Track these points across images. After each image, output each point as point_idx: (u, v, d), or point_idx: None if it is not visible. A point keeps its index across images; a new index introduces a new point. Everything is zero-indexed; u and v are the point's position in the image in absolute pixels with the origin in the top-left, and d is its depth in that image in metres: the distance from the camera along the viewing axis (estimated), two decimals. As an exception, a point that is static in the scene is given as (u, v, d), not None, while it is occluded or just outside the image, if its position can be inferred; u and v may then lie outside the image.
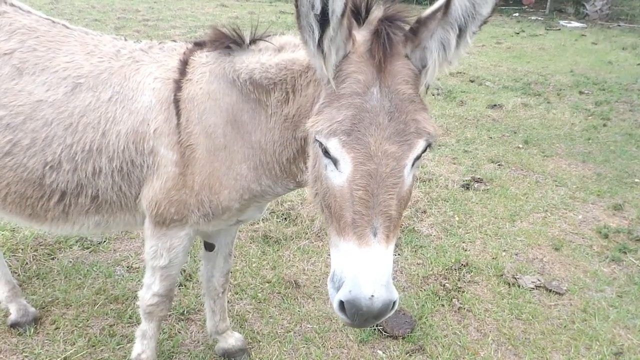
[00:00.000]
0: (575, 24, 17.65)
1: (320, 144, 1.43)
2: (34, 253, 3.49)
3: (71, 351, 2.70)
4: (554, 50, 12.71)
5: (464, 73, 9.60)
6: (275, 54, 1.88)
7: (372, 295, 1.33)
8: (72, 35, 2.17)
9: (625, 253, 4.00)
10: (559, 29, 16.41)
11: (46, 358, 2.65)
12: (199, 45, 2.05)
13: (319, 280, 3.48)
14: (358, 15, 1.53)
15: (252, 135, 1.87)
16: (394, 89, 1.41)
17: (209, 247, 2.57)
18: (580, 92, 8.75)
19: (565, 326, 3.18)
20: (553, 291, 3.50)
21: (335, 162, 1.42)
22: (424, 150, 1.44)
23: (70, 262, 3.44)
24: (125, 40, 2.21)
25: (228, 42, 1.94)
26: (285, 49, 1.87)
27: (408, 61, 1.47)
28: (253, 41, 1.95)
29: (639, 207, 4.78)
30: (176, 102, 1.92)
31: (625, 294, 3.54)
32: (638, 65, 11.15)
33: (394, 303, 1.39)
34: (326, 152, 1.42)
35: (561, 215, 4.59)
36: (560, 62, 11.20)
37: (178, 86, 1.93)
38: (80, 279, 3.28)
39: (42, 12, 2.43)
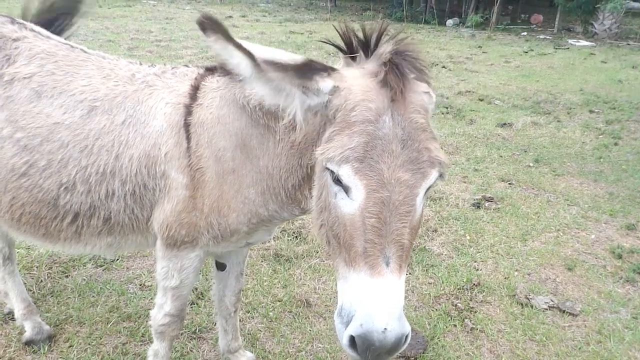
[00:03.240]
0: (583, 42, 17.71)
1: (331, 172, 1.42)
2: (49, 271, 3.53)
3: (84, 369, 2.71)
4: (563, 69, 12.74)
5: (473, 92, 9.65)
6: None
7: (385, 329, 1.28)
8: (89, 59, 2.23)
9: (639, 274, 3.95)
10: (568, 48, 16.47)
11: (60, 376, 2.67)
12: (211, 70, 2.08)
13: (330, 299, 3.47)
14: (367, 47, 1.56)
15: (260, 160, 1.88)
16: (406, 117, 1.41)
17: (221, 266, 2.59)
18: (591, 111, 8.74)
19: (580, 348, 3.14)
20: (567, 312, 3.46)
21: (346, 189, 1.40)
22: (436, 180, 1.45)
23: (84, 280, 3.48)
24: (140, 64, 2.26)
25: None
26: None
27: (419, 94, 1.49)
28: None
29: (652, 226, 4.73)
30: (186, 126, 1.93)
31: (641, 316, 3.48)
32: (648, 84, 11.12)
33: (407, 337, 1.36)
34: (337, 180, 1.41)
35: (574, 234, 4.55)
36: (569, 80, 11.21)
37: (188, 111, 1.95)
38: (93, 296, 3.31)
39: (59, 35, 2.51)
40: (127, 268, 3.67)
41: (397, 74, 1.43)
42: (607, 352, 3.11)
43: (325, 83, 1.47)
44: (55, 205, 2.07)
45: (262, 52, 1.48)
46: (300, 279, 3.67)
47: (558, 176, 5.87)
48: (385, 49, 1.50)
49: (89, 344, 2.89)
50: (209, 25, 1.42)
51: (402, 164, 1.37)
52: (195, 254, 2.10)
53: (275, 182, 1.88)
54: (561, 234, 4.54)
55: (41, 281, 3.43)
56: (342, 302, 1.41)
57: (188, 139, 1.93)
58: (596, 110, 8.79)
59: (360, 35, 1.58)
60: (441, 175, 1.46)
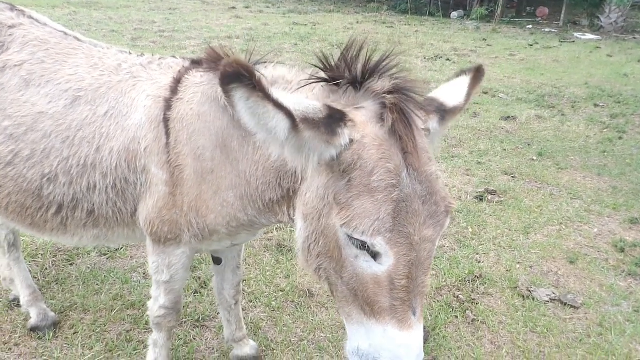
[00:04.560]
0: (589, 36, 17.57)
1: (355, 239, 1.34)
2: (53, 259, 3.56)
3: (89, 355, 2.74)
4: (568, 62, 12.65)
5: (477, 85, 9.60)
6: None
7: None
8: (80, 47, 2.19)
9: (641, 267, 3.95)
10: (573, 41, 16.34)
11: (65, 362, 2.70)
12: (196, 63, 2.01)
13: (333, 289, 3.49)
14: (355, 83, 1.47)
15: (239, 163, 1.80)
16: (422, 170, 1.36)
17: (216, 261, 2.59)
18: (595, 105, 8.70)
19: (580, 340, 3.16)
20: (568, 304, 3.47)
21: (375, 256, 1.35)
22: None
23: (88, 268, 3.50)
24: (130, 53, 2.21)
25: None
26: (278, 84, 1.74)
27: (424, 136, 1.46)
28: None
29: (655, 221, 4.72)
30: (166, 121, 1.88)
31: (642, 309, 3.49)
32: (654, 78, 11.04)
33: None
34: (362, 246, 1.34)
35: (576, 228, 4.55)
36: (574, 74, 11.14)
37: (168, 105, 1.89)
38: (97, 284, 3.33)
39: (60, 23, 2.49)
40: (131, 257, 3.69)
41: (405, 122, 1.37)
42: (608, 344, 3.12)
43: (345, 137, 1.35)
44: (39, 195, 2.05)
45: (288, 101, 1.30)
46: (303, 269, 3.68)
47: (561, 170, 5.86)
48: (383, 86, 1.43)
49: (94, 331, 2.92)
50: (238, 76, 1.19)
51: (425, 221, 1.34)
52: (182, 251, 2.06)
53: (252, 190, 1.80)
54: (564, 228, 4.54)
55: (46, 269, 3.46)
56: (358, 344, 1.43)
57: (167, 134, 1.87)
58: (601, 104, 8.75)
59: (343, 63, 1.49)
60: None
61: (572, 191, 5.27)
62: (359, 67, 1.48)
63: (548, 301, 3.50)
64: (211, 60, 1.87)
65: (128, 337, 2.90)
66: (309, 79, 1.59)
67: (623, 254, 4.14)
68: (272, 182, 1.74)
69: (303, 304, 3.32)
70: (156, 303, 2.26)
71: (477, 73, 1.67)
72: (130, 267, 3.56)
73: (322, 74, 1.55)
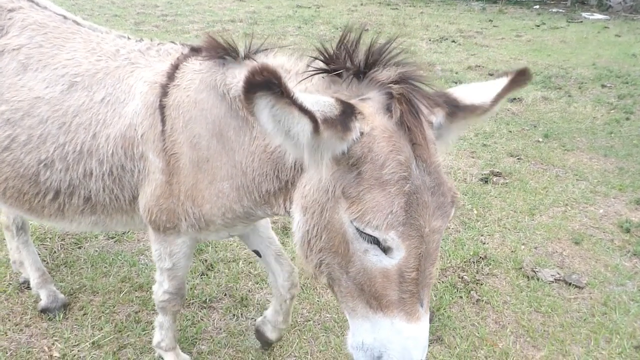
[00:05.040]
0: (597, 15, 17.27)
1: (366, 234, 1.33)
2: (62, 242, 3.61)
3: (99, 336, 2.79)
4: (576, 43, 12.47)
5: (483, 66, 9.50)
6: None
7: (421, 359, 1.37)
8: (79, 32, 2.17)
9: (647, 247, 3.95)
10: (581, 21, 16.07)
11: (75, 342, 2.75)
12: (195, 50, 1.98)
13: (338, 271, 3.52)
14: (358, 73, 1.44)
15: (235, 154, 1.77)
16: (430, 161, 1.35)
17: (256, 253, 2.57)
18: (603, 86, 8.60)
19: (585, 319, 3.17)
20: (573, 285, 3.48)
21: (386, 250, 1.34)
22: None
23: (96, 251, 3.54)
24: (128, 38, 2.18)
25: (222, 53, 1.82)
26: None
27: (430, 127, 1.44)
28: (248, 55, 1.83)
29: (662, 201, 4.70)
30: (162, 107, 1.85)
31: (647, 289, 3.50)
32: (663, 58, 10.87)
33: None
34: (373, 241, 1.33)
35: (582, 209, 4.54)
36: (582, 55, 10.98)
37: (164, 91, 1.86)
38: (106, 267, 3.38)
39: (63, 7, 2.48)
40: (138, 240, 3.73)
41: (413, 113, 1.35)
42: (612, 323, 3.14)
43: (357, 130, 1.33)
44: (36, 181, 2.05)
45: (310, 103, 1.25)
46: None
47: (567, 151, 5.82)
48: (389, 76, 1.41)
49: (103, 312, 2.97)
50: (268, 84, 1.13)
51: (433, 212, 1.33)
52: (182, 240, 2.05)
53: (248, 181, 1.77)
54: (569, 209, 4.53)
55: (54, 252, 3.50)
56: (363, 338, 1.43)
57: (163, 121, 1.85)
58: (608, 85, 8.64)
59: (343, 52, 1.46)
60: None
61: (578, 172, 5.25)
62: (362, 56, 1.44)
63: (552, 281, 3.51)
64: (210, 48, 1.83)
65: (136, 318, 2.95)
66: (309, 71, 1.54)
67: (629, 234, 4.14)
68: (269, 173, 1.71)
69: (308, 285, 3.36)
70: (160, 288, 2.28)
71: (519, 76, 1.54)
72: (138, 249, 3.60)
73: (322, 64, 1.51)
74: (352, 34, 1.46)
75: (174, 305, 2.34)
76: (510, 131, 6.36)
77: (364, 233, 1.32)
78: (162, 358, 2.58)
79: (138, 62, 2.01)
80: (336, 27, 12.01)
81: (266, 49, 1.85)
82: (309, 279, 3.39)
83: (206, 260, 3.50)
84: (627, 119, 6.99)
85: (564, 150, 5.84)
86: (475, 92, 1.56)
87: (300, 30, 11.85)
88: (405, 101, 1.36)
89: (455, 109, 1.52)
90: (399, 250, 1.32)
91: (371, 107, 1.38)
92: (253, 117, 1.25)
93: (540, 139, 6.13)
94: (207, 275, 3.39)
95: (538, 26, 14.82)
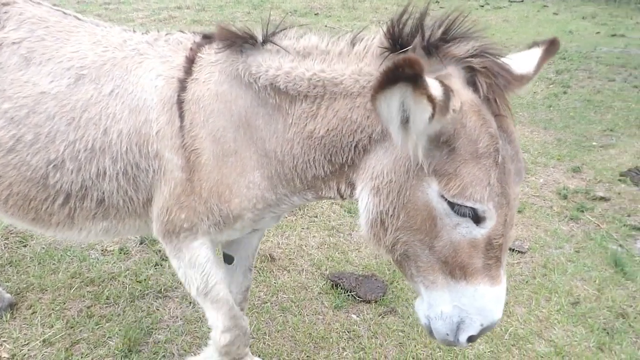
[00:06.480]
0: (538, -5, 17.91)
1: (465, 207, 1.36)
2: (5, 241, 3.47)
3: (50, 333, 2.73)
4: (518, 22, 12.94)
5: (431, 47, 9.72)
6: (301, 61, 1.67)
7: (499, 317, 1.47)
8: (82, 26, 2.07)
9: (582, 212, 4.23)
10: (522, 1, 16.65)
11: (25, 341, 2.68)
12: (208, 38, 1.89)
13: (294, 253, 3.57)
14: (429, 49, 1.44)
15: (266, 142, 1.71)
16: (510, 131, 1.42)
17: (228, 259, 2.43)
18: (543, 62, 8.99)
19: (527, 281, 3.38)
20: (516, 250, 3.69)
21: (478, 220, 1.38)
22: None
23: (43, 248, 3.44)
24: (134, 31, 2.08)
25: (240, 42, 1.75)
26: (313, 56, 1.66)
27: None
28: (266, 40, 1.75)
29: (595, 168, 5.02)
30: (179, 103, 1.77)
31: (582, 249, 3.75)
32: (597, 34, 11.46)
33: None
34: (466, 214, 1.37)
35: (524, 180, 4.78)
36: (523, 33, 11.42)
37: (182, 86, 1.79)
38: (54, 264, 3.28)
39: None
40: (87, 235, 3.64)
41: (498, 85, 1.38)
42: (551, 283, 3.36)
43: (452, 109, 1.30)
44: (45, 184, 1.89)
45: (434, 89, 1.26)
46: (264, 235, 3.74)
47: (510, 126, 6.08)
48: (466, 50, 1.42)
49: (53, 309, 2.90)
50: (413, 75, 1.13)
51: (514, 178, 1.40)
52: (199, 243, 1.93)
53: (287, 169, 1.73)
54: (512, 180, 4.76)
55: (-2, 252, 3.37)
56: (442, 308, 1.50)
57: (181, 117, 1.77)
58: (547, 61, 9.05)
59: (407, 28, 1.47)
60: None
61: (520, 145, 5.50)
62: (436, 31, 1.45)
63: (497, 249, 3.70)
64: (225, 38, 1.77)
65: (89, 313, 2.90)
66: (384, 52, 1.52)
67: (566, 200, 4.40)
68: (319, 159, 1.67)
69: (265, 268, 3.39)
70: (216, 330, 2.07)
71: (551, 46, 1.65)
72: (88, 244, 3.51)
73: (385, 42, 1.50)
74: (414, 12, 1.49)
75: (238, 347, 2.10)
76: (457, 109, 6.56)
77: (462, 206, 1.36)
78: None
79: (147, 52, 1.91)
80: (285, 11, 11.92)
81: (285, 29, 1.77)
82: (265, 262, 3.42)
83: (159, 251, 3.47)
84: (565, 92, 7.36)
85: (507, 125, 6.09)
86: (518, 62, 1.59)
87: (249, 16, 11.68)
88: (491, 74, 1.39)
89: (511, 80, 1.54)
90: (492, 219, 1.37)
91: (455, 83, 1.39)
92: (372, 105, 1.22)
93: (485, 115, 6.38)
94: (161, 265, 3.36)
95: (482, 6, 15.25)
